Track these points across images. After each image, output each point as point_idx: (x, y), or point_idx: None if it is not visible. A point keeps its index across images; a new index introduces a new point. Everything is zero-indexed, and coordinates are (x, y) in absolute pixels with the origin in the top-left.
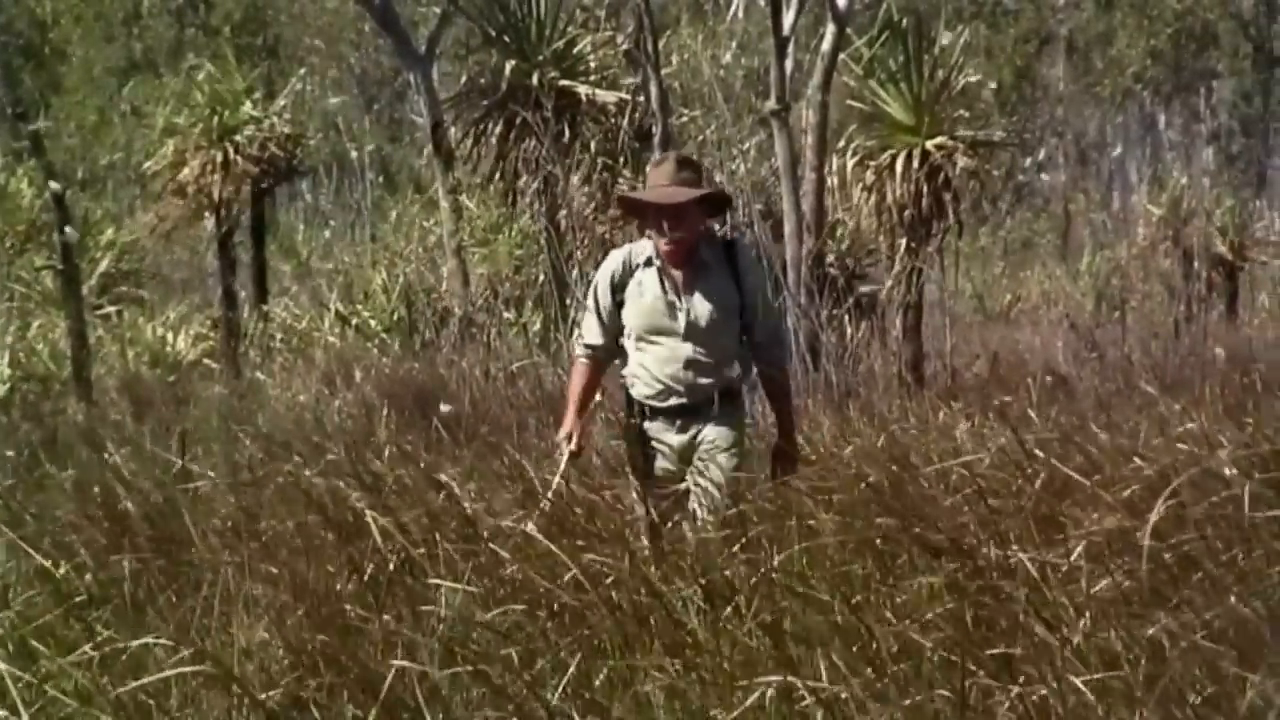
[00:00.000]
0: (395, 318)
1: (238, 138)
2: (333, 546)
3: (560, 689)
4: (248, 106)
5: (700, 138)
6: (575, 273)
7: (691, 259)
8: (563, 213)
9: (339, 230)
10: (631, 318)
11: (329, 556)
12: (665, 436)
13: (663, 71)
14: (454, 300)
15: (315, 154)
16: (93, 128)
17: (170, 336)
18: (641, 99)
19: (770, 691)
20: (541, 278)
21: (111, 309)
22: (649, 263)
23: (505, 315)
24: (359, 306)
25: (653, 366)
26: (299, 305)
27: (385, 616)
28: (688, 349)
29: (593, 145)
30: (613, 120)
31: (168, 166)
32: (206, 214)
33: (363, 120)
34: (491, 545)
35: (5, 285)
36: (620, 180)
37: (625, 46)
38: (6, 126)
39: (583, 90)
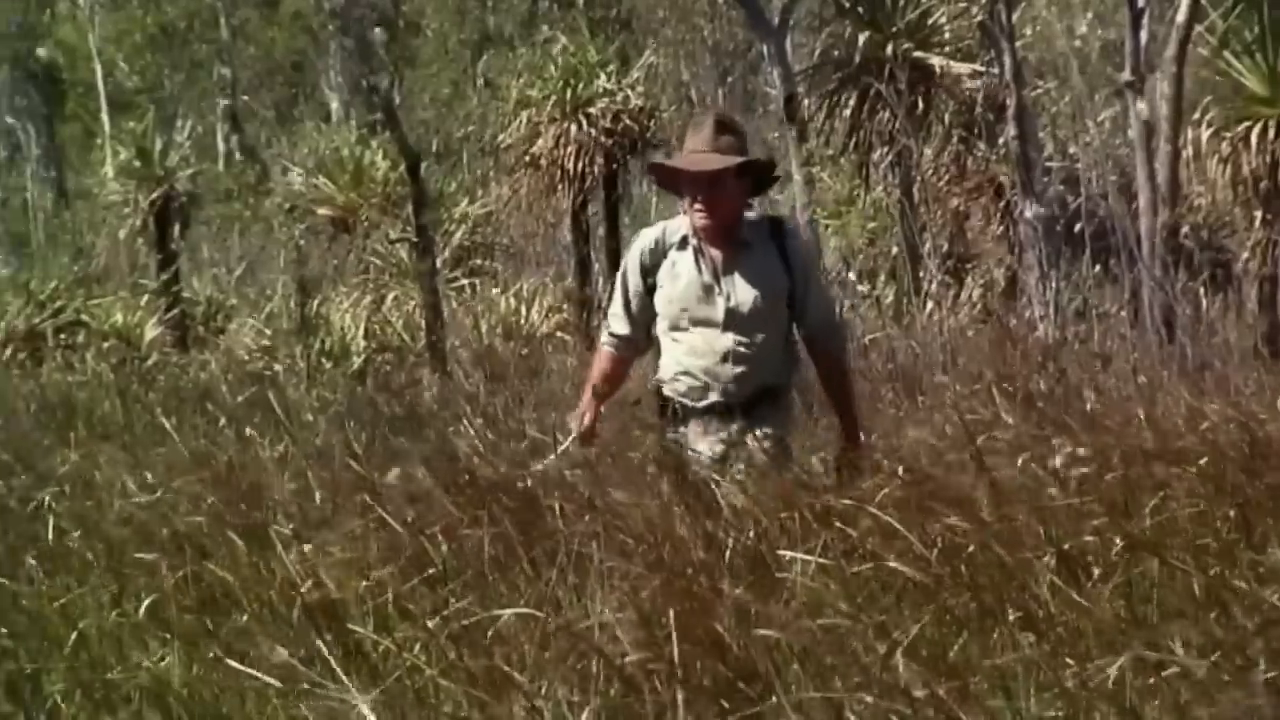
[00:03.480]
0: None
1: (591, 110)
2: (686, 518)
3: (914, 661)
4: (602, 79)
5: (1054, 109)
6: (928, 245)
7: (732, 237)
8: (916, 185)
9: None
10: (664, 304)
11: (682, 528)
12: (699, 444)
13: (1017, 43)
14: None
15: (669, 126)
16: (447, 101)
17: (523, 309)
18: (995, 71)
19: (1125, 664)
20: (895, 250)
21: (465, 281)
22: (684, 242)
23: (858, 288)
24: None
25: (686, 359)
26: None
27: (738, 589)
28: (727, 339)
29: (946, 117)
30: (966, 92)
31: (521, 139)
32: (560, 187)
33: (716, 92)
34: (838, 522)
35: (361, 258)
36: (975, 153)
37: (980, 18)
38: (361, 100)
39: (937, 62)
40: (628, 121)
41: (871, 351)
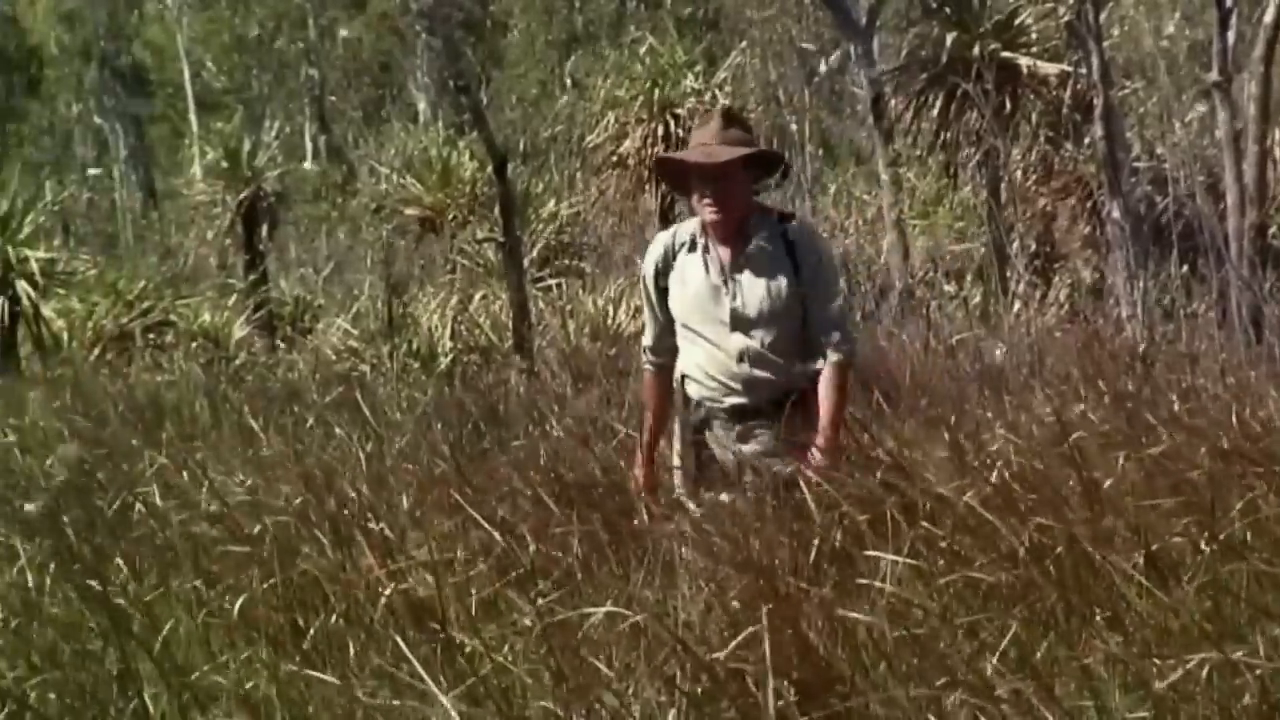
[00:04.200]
0: None
1: (679, 110)
2: (772, 517)
3: (1001, 661)
4: (689, 79)
5: (1142, 110)
6: (1015, 245)
7: (739, 234)
8: (1003, 185)
9: (779, 202)
10: (676, 306)
11: (769, 528)
12: (724, 443)
13: (1104, 43)
14: (893, 273)
15: (756, 127)
16: (534, 101)
17: (610, 309)
18: (1083, 71)
19: (1211, 665)
20: (982, 250)
21: (552, 281)
22: (693, 243)
23: (945, 288)
24: None
25: (703, 362)
26: None
27: (824, 589)
28: (737, 339)
29: (1033, 117)
30: (1054, 92)
31: (609, 139)
32: (647, 187)
33: (803, 93)
34: (925, 522)
35: (448, 258)
36: (1062, 153)
37: (1067, 18)
38: (449, 100)
39: (1024, 62)
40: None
41: (959, 352)
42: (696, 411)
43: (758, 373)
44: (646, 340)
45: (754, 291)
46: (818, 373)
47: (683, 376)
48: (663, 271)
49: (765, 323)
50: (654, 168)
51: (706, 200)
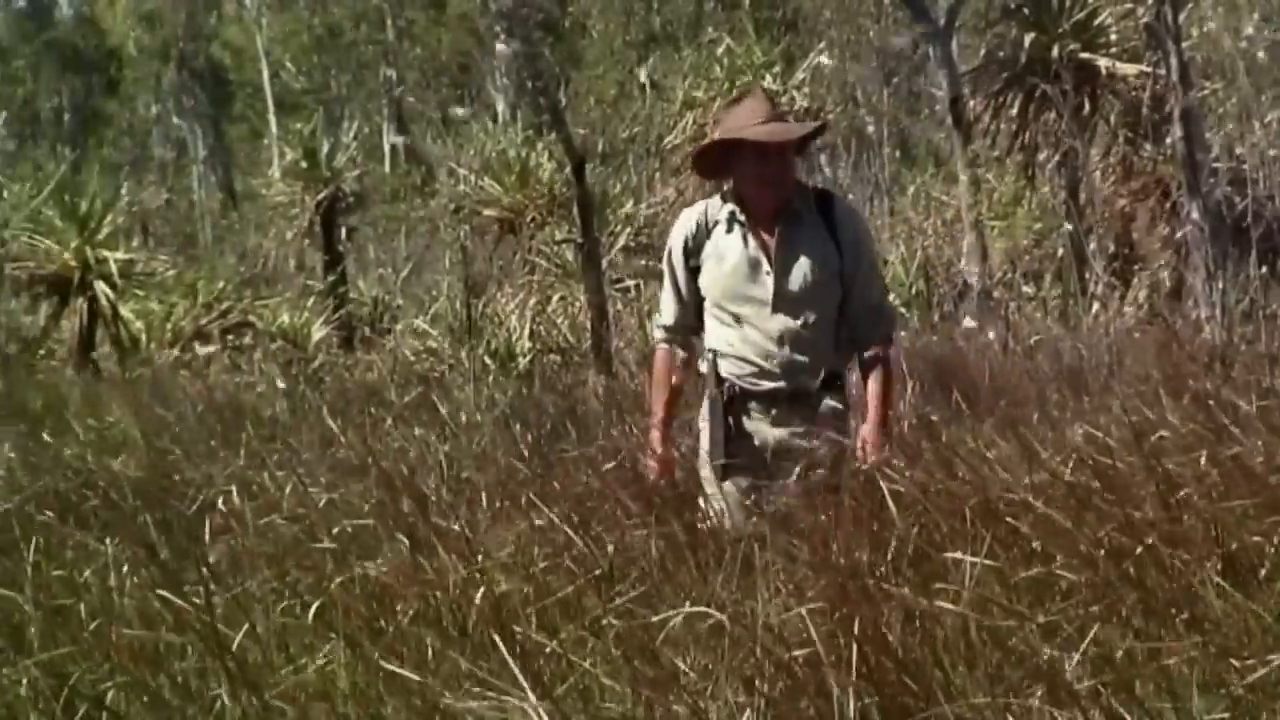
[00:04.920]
0: (914, 291)
1: None
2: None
3: (1080, 662)
4: (767, 80)
5: (1221, 110)
6: (1094, 246)
7: (782, 212)
8: (1082, 186)
9: (857, 204)
10: (710, 284)
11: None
12: (759, 429)
13: (1183, 44)
14: (972, 274)
15: (834, 127)
16: (612, 102)
17: None
18: (1162, 71)
19: None
20: (1060, 251)
21: (631, 282)
22: (732, 219)
23: (1024, 289)
24: None
25: (739, 344)
26: None
27: (904, 589)
28: (779, 321)
29: (1112, 118)
30: (1132, 93)
31: (687, 140)
32: (725, 187)
33: (881, 93)
34: (1008, 519)
35: (526, 259)
36: (1141, 154)
37: (1146, 19)
38: (527, 100)
39: (1103, 63)
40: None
41: (1038, 352)
42: (728, 391)
43: (797, 356)
44: (665, 319)
45: (798, 271)
46: (857, 358)
47: (713, 354)
48: (694, 249)
49: (808, 303)
50: (698, 155)
51: (763, 179)
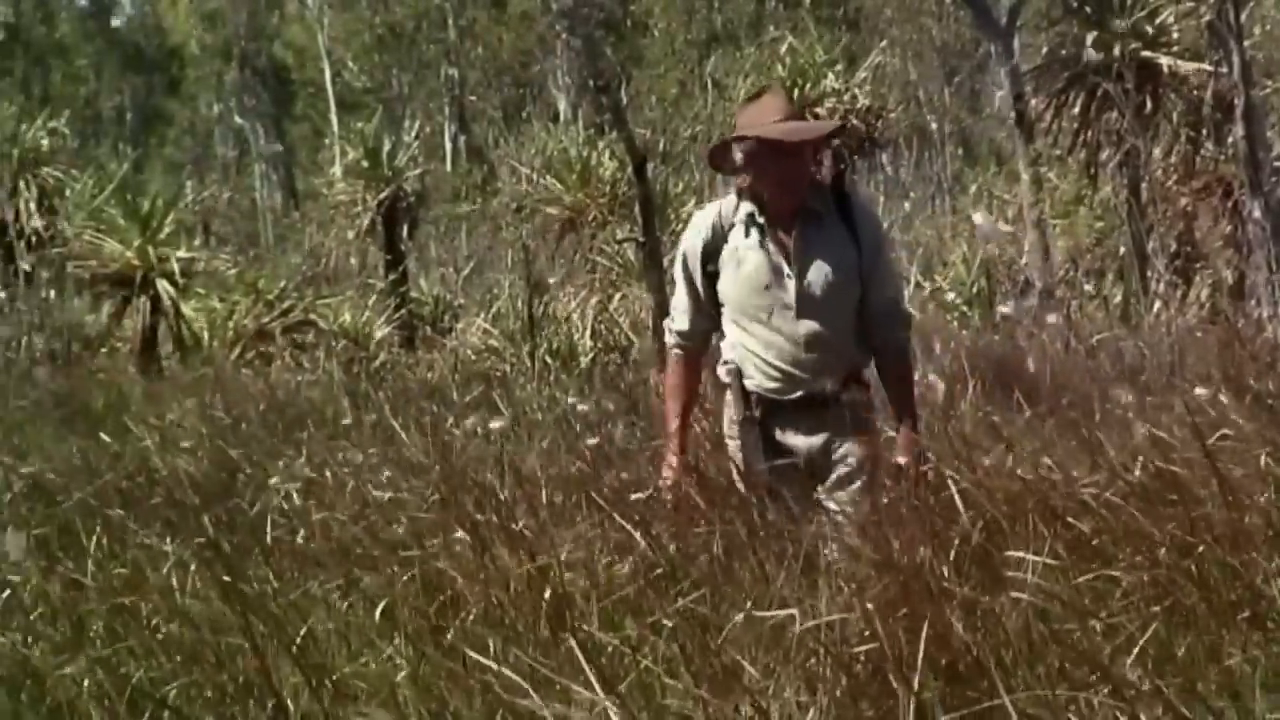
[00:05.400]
0: (975, 290)
1: (819, 110)
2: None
3: (1142, 661)
4: (829, 79)
5: None
6: (1155, 245)
7: (800, 212)
8: (1144, 185)
9: (919, 202)
10: (729, 291)
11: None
12: (790, 439)
13: (1245, 43)
14: (1034, 272)
15: (895, 126)
16: (674, 101)
17: None
18: (1224, 70)
19: None
20: (1122, 250)
21: None
22: (750, 221)
23: (1085, 287)
24: (939, 279)
25: (763, 351)
26: None
27: (966, 588)
28: (804, 325)
29: (1174, 117)
30: (1194, 92)
31: None
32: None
33: (943, 92)
34: (1069, 518)
35: (587, 258)
36: (1203, 153)
37: (1207, 18)
38: (589, 99)
39: (1164, 62)
40: (855, 121)
41: (1100, 351)
42: (757, 407)
43: (826, 358)
44: (679, 324)
45: (820, 273)
46: (875, 356)
47: (736, 368)
48: (711, 253)
49: (832, 305)
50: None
51: (786, 180)
